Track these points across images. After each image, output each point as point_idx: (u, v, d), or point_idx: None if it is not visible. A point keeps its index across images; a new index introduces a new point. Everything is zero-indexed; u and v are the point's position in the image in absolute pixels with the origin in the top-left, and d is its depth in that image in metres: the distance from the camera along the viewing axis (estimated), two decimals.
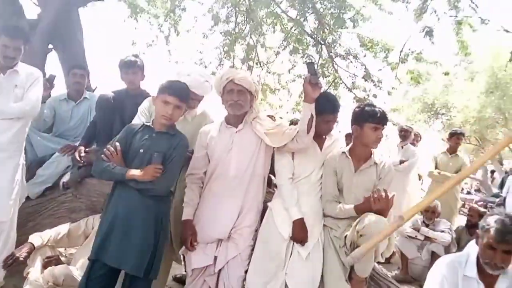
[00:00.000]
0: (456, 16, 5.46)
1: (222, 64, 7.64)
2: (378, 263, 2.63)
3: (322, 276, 2.31)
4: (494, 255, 1.84)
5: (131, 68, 3.16)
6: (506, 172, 12.65)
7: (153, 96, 2.32)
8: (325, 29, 6.68)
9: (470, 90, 12.71)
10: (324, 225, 2.43)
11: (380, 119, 2.33)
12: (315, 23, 6.78)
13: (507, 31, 5.07)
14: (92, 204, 3.18)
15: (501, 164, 15.71)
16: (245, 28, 7.20)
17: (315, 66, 2.35)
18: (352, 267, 2.29)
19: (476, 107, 12.29)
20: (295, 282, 2.27)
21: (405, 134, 4.98)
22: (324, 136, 2.52)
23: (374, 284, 2.57)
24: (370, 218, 2.12)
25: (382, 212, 2.17)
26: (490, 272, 1.89)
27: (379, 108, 2.38)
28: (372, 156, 2.43)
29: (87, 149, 3.22)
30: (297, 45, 6.94)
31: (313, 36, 6.86)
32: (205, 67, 7.57)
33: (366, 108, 2.37)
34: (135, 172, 2.12)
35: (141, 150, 2.21)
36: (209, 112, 2.94)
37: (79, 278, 2.29)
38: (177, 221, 2.49)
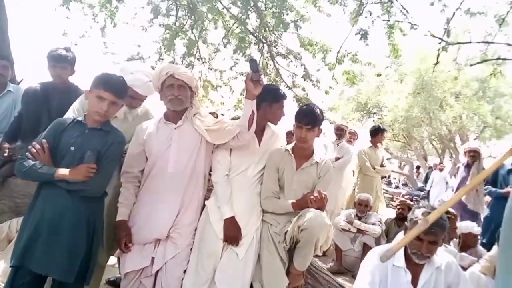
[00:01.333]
0: (389, 21, 5.79)
1: (162, 59, 7.42)
2: (314, 256, 2.73)
3: (261, 272, 2.34)
4: (422, 245, 2.00)
5: (60, 62, 2.94)
6: (429, 168, 13.76)
7: (86, 90, 2.16)
8: (267, 28, 6.77)
9: (399, 90, 13.56)
10: (264, 221, 2.45)
11: (300, 119, 2.40)
12: (256, 21, 6.85)
13: (433, 36, 5.47)
14: (16, 206, 2.92)
15: (426, 160, 17.05)
16: (186, 22, 7.05)
17: (258, 63, 2.37)
18: (290, 261, 2.35)
19: (404, 107, 13.15)
20: (224, 281, 2.27)
21: (340, 132, 5.17)
22: (264, 129, 2.55)
23: (311, 276, 2.65)
24: (311, 213, 2.18)
25: (319, 208, 2.26)
26: (417, 261, 2.05)
27: (312, 108, 2.44)
28: (313, 155, 2.51)
29: (10, 146, 2.96)
30: (239, 42, 6.95)
31: (255, 35, 6.92)
32: (144, 61, 7.30)
33: (298, 108, 2.47)
34: (65, 172, 1.96)
35: (72, 148, 2.05)
36: (153, 112, 2.84)
37: (1, 286, 2.10)
38: (110, 222, 2.37)
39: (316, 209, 2.23)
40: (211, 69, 8.26)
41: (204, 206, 2.48)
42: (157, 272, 2.33)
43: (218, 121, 2.43)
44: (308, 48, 7.04)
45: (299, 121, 2.40)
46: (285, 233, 2.32)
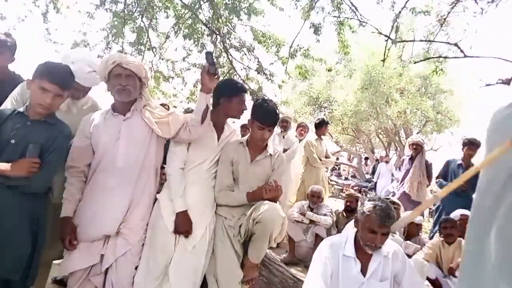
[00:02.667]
0: (339, 17, 5.92)
1: (110, 48, 7.09)
2: (269, 248, 2.74)
3: (215, 265, 2.32)
4: (376, 237, 2.07)
5: None
6: (377, 160, 14.40)
7: (28, 80, 1.99)
8: (220, 19, 6.68)
9: (348, 86, 13.98)
10: (218, 214, 2.43)
11: (263, 121, 2.38)
12: (209, 11, 6.73)
13: (380, 33, 5.68)
14: None
15: (373, 152, 17.82)
16: (135, 10, 6.77)
17: (214, 56, 2.32)
18: (245, 254, 2.34)
19: (353, 102, 13.58)
20: (177, 275, 2.24)
21: (285, 124, 5.20)
22: (224, 127, 2.52)
23: (265, 268, 2.67)
24: (265, 206, 2.19)
25: (273, 200, 2.27)
26: (370, 252, 2.12)
27: (274, 108, 2.42)
28: (267, 147, 2.51)
29: None
30: (191, 32, 6.79)
31: (208, 25, 6.80)
32: (90, 49, 6.92)
33: (258, 106, 2.43)
34: (5, 167, 1.81)
35: (13, 141, 1.89)
36: (100, 105, 2.69)
37: None
38: (55, 219, 2.23)
39: (270, 199, 2.25)
40: (162, 59, 8.03)
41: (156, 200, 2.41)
42: (107, 269, 2.23)
43: (170, 113, 2.35)
44: (262, 42, 7.05)
45: (263, 123, 2.37)
46: (240, 226, 2.33)
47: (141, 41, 7.05)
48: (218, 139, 2.48)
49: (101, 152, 2.24)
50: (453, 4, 5.41)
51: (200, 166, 2.40)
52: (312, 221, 4.30)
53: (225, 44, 7.06)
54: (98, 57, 6.13)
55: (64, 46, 7.19)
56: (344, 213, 4.73)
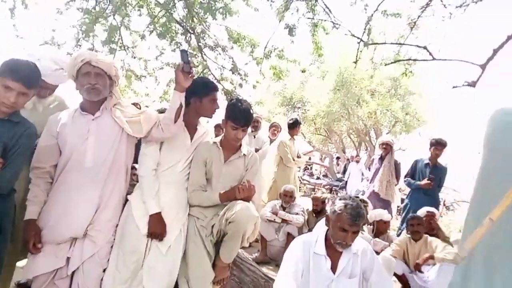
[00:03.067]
0: (313, 19, 6.01)
1: (80, 45, 6.89)
2: (241, 247, 2.76)
3: (186, 267, 2.31)
4: (347, 236, 2.12)
5: None
6: (347, 159, 14.68)
7: None
8: (194, 18, 6.63)
9: (321, 87, 14.19)
10: (190, 215, 2.42)
11: (238, 121, 2.37)
12: (184, 10, 6.67)
13: (353, 36, 5.80)
14: None
15: (344, 152, 18.16)
16: (107, 7, 6.62)
17: (188, 54, 2.31)
18: (217, 254, 2.35)
19: (326, 103, 13.81)
20: (151, 278, 2.21)
21: (256, 124, 5.21)
22: (197, 126, 2.51)
23: (236, 268, 2.68)
24: (239, 205, 2.20)
25: (246, 199, 2.29)
26: (340, 249, 2.17)
27: (248, 108, 2.42)
28: (241, 147, 2.52)
29: None
30: (164, 31, 6.70)
31: (182, 24, 6.74)
32: (59, 47, 6.71)
33: (232, 106, 2.42)
34: None
35: None
36: (68, 103, 2.62)
37: None
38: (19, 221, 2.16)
39: (244, 199, 2.26)
40: (134, 58, 7.89)
41: (126, 201, 2.37)
42: (73, 272, 2.17)
43: (141, 112, 2.33)
44: (236, 42, 7.06)
45: (237, 123, 2.37)
46: (212, 226, 2.32)
47: (113, 40, 6.91)
48: (191, 139, 2.46)
49: (69, 152, 2.18)
50: (423, 8, 5.59)
51: (174, 168, 2.38)
52: (284, 220, 4.35)
53: (200, 44, 7.02)
54: (67, 54, 5.96)
55: (32, 43, 6.96)
56: (313, 214, 4.81)
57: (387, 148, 5.47)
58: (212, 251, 2.36)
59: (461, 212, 8.65)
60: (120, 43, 7.16)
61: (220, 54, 7.24)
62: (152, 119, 2.25)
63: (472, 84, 5.10)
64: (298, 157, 5.56)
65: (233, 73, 7.32)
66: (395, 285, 3.65)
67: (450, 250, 3.51)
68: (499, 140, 1.33)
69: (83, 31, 6.66)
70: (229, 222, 2.20)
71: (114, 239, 2.29)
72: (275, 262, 4.19)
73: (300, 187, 7.01)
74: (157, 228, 2.23)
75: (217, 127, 4.89)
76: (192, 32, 6.76)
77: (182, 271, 2.32)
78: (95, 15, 6.33)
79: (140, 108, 2.95)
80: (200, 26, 6.84)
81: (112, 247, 2.28)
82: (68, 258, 2.16)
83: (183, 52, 2.14)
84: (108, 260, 2.26)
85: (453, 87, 5.12)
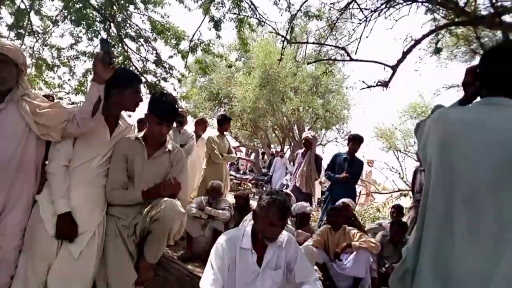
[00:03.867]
0: (239, 15, 6.03)
1: None
2: (166, 246, 2.68)
3: (106, 269, 2.18)
4: (274, 229, 2.15)
5: None
6: (272, 154, 15.09)
7: None
8: (114, 6, 6.27)
9: (247, 83, 14.36)
10: (110, 215, 2.28)
11: (162, 116, 2.30)
12: None
13: (278, 34, 5.94)
14: None
15: (269, 148, 18.61)
16: None
17: (110, 44, 2.16)
18: (140, 254, 2.25)
19: (252, 98, 13.98)
20: (57, 285, 2.04)
21: (181, 119, 5.08)
22: (117, 122, 2.36)
23: (161, 267, 2.61)
24: (164, 202, 2.12)
25: (172, 196, 2.21)
26: (267, 243, 2.21)
27: (173, 104, 2.35)
28: (166, 143, 2.43)
29: None
30: (80, 17, 6.23)
31: (100, 11, 6.33)
32: None
33: (155, 100, 2.33)
34: None
35: None
36: None
37: None
38: None
39: (169, 196, 2.18)
40: (46, 46, 7.23)
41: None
42: None
43: (51, 105, 2.12)
44: (161, 33, 6.82)
45: (160, 118, 2.28)
46: (135, 225, 2.21)
47: (21, 24, 6.25)
48: (111, 134, 2.31)
49: None
50: (342, 11, 5.91)
51: (88, 164, 2.21)
52: (210, 216, 4.32)
53: (120, 33, 6.66)
54: None
55: None
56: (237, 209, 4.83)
57: (308, 143, 5.69)
58: (134, 251, 2.25)
59: (374, 202, 9.38)
60: (29, 29, 6.51)
61: (142, 45, 6.95)
62: (65, 113, 2.06)
63: (384, 84, 5.54)
64: (229, 153, 5.55)
65: (157, 65, 7.08)
66: (316, 273, 3.83)
67: (366, 238, 3.78)
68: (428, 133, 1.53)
69: None
70: (154, 220, 2.11)
71: (22, 243, 2.07)
72: (201, 258, 4.13)
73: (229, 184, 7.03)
74: (65, 229, 2.06)
75: (141, 122, 4.67)
76: (111, 20, 6.38)
77: (101, 274, 2.18)
78: None
79: (52, 101, 2.70)
80: (120, 14, 6.48)
81: (20, 252, 2.07)
82: None
83: (104, 41, 2.02)
84: (17, 266, 2.04)
85: (368, 86, 5.51)
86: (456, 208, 1.35)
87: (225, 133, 5.68)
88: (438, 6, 4.83)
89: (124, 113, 2.46)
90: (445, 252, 1.37)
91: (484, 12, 5.50)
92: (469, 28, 6.38)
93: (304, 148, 5.78)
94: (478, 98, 1.53)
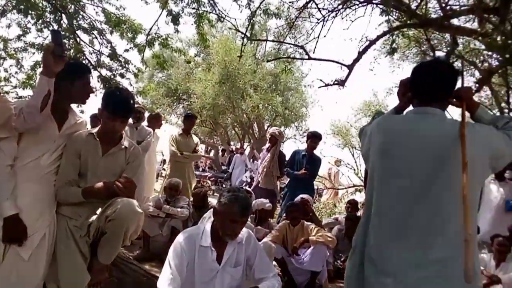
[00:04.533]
0: (198, 9, 5.95)
1: None
2: (122, 246, 2.60)
3: (56, 271, 2.08)
4: (236, 226, 2.15)
5: None
6: (232, 151, 15.08)
7: None
8: None
9: (207, 79, 14.23)
10: (61, 215, 2.18)
11: (116, 112, 2.22)
12: None
13: (237, 30, 5.93)
14: None
15: (229, 144, 18.59)
16: None
17: (62, 36, 2.06)
18: (94, 255, 2.16)
19: (211, 95, 13.88)
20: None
21: (138, 115, 4.93)
22: (67, 115, 2.25)
23: (116, 268, 2.53)
24: (120, 202, 2.05)
25: (128, 195, 2.14)
26: (228, 240, 2.19)
27: (128, 99, 2.27)
28: (122, 139, 2.35)
29: None
30: (28, 6, 5.87)
31: (51, 1, 6.00)
32: None
33: (109, 95, 2.25)
34: None
35: None
36: None
37: None
38: None
39: (124, 195, 2.11)
40: None
41: None
42: None
43: None
44: (116, 26, 6.58)
45: (114, 113, 2.20)
46: (89, 225, 2.12)
47: None
48: (60, 129, 2.19)
49: None
50: (300, 10, 5.99)
51: (37, 161, 2.09)
52: (168, 215, 4.24)
53: (72, 25, 6.35)
54: None
55: None
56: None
57: (272, 139, 5.70)
58: (87, 252, 2.17)
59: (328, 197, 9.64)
60: None
61: (96, 37, 6.67)
62: (10, 107, 1.93)
63: (341, 83, 5.69)
64: (195, 151, 5.46)
65: (112, 59, 6.83)
66: (275, 269, 3.88)
67: (323, 233, 3.87)
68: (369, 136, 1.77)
69: None
70: (110, 220, 2.04)
71: None
72: (159, 257, 4.05)
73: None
74: (14, 232, 1.94)
75: (95, 118, 4.48)
76: (63, 11, 6.07)
77: (51, 276, 2.08)
78: None
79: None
80: (72, 5, 6.18)
81: None
82: None
83: (55, 33, 1.94)
84: None
85: (325, 85, 5.64)
86: (396, 201, 1.57)
87: (191, 131, 5.59)
88: (392, 8, 5.02)
89: (77, 109, 2.35)
90: (384, 240, 1.58)
91: (434, 15, 5.80)
92: (420, 30, 6.69)
93: (269, 144, 5.79)
94: (411, 107, 1.76)
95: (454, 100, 1.68)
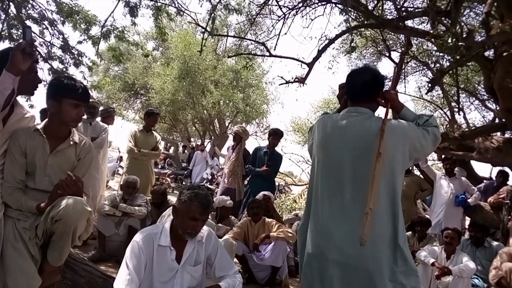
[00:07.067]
0: (156, 2, 5.78)
1: None
2: (73, 247, 2.47)
3: (4, 275, 1.94)
4: (196, 224, 2.11)
5: None
6: (192, 148, 14.89)
7: None
8: None
9: (166, 74, 13.92)
10: (8, 216, 2.04)
11: (81, 95, 2.12)
12: None
13: (198, 25, 5.83)
14: None
15: (189, 141, 18.35)
16: None
17: (32, 32, 1.92)
18: (44, 257, 2.03)
19: (171, 90, 13.60)
20: None
21: (93, 110, 4.72)
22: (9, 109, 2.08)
23: (69, 270, 2.40)
24: (66, 201, 1.93)
25: (75, 194, 2.03)
26: (188, 239, 2.15)
27: (80, 82, 2.17)
28: (71, 135, 2.22)
29: None
30: None
31: None
32: None
33: (66, 81, 2.12)
34: None
35: None
36: None
37: None
38: None
39: (73, 194, 2.00)
40: None
41: None
42: None
43: None
44: (69, 16, 6.24)
45: (79, 99, 2.09)
46: (36, 227, 1.99)
47: None
48: (4, 123, 2.03)
49: None
50: (261, 7, 5.99)
51: None
52: (125, 213, 4.10)
53: (21, 14, 5.96)
54: None
55: None
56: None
57: (236, 137, 5.66)
58: (37, 254, 2.04)
59: (290, 194, 9.76)
60: None
61: (47, 28, 6.31)
62: None
63: (301, 80, 5.76)
64: (155, 149, 5.30)
65: (64, 51, 6.49)
66: (236, 266, 3.86)
67: (283, 229, 3.90)
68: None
69: None
70: (56, 221, 1.92)
71: None
72: (115, 258, 3.91)
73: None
74: None
75: (44, 113, 4.23)
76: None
77: (0, 280, 1.93)
78: None
79: None
80: None
81: None
82: None
83: (27, 29, 1.82)
84: None
85: (286, 82, 5.69)
86: (332, 188, 1.83)
87: (152, 128, 5.43)
88: (350, 8, 5.13)
89: (25, 104, 2.19)
90: (324, 221, 1.82)
91: (390, 17, 6.01)
92: (377, 30, 6.91)
93: (234, 143, 5.75)
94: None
95: (383, 101, 1.92)
